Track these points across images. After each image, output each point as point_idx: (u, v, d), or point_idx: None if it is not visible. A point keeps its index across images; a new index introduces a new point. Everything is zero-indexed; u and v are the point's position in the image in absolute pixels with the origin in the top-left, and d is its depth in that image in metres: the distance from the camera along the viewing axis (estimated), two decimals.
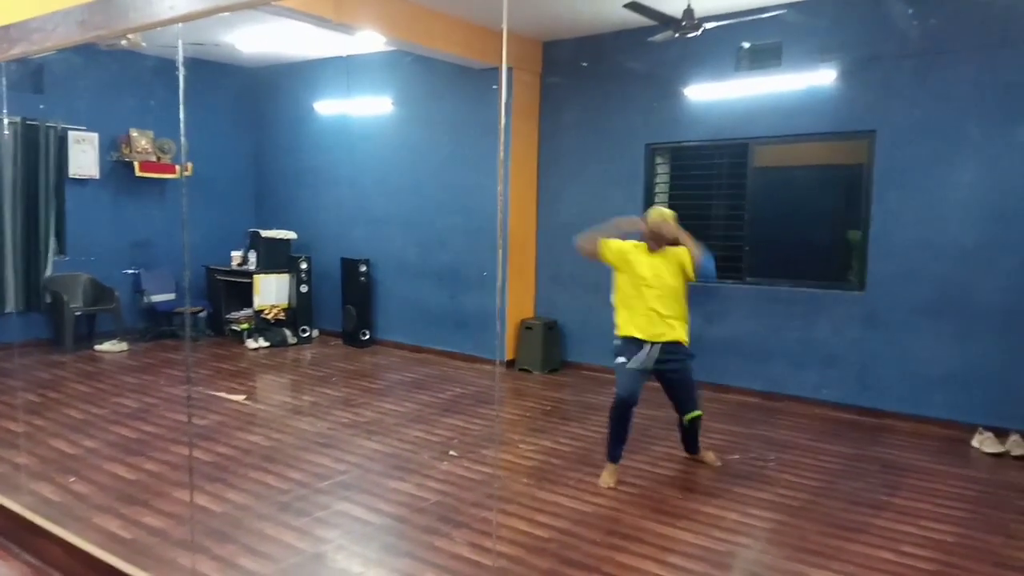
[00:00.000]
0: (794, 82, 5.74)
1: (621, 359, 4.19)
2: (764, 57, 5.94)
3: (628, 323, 4.21)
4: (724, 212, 6.31)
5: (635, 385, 4.14)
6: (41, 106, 7.25)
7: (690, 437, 4.47)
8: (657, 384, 4.34)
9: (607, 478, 4.11)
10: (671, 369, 4.23)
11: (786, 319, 5.95)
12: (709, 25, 5.20)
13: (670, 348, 4.17)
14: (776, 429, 5.26)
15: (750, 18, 5.48)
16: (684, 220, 6.45)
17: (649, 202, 6.63)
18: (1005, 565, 3.25)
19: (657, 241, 4.26)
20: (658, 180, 6.68)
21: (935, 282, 5.30)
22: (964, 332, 5.21)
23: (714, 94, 6.13)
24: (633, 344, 4.17)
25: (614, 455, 4.18)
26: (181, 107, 2.78)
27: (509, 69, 6.74)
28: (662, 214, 4.30)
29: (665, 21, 5.19)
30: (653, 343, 4.15)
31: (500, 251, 5.68)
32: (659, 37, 5.36)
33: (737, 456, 4.66)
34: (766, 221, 6.14)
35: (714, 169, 6.34)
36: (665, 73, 6.35)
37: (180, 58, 2.84)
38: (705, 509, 3.79)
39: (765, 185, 6.16)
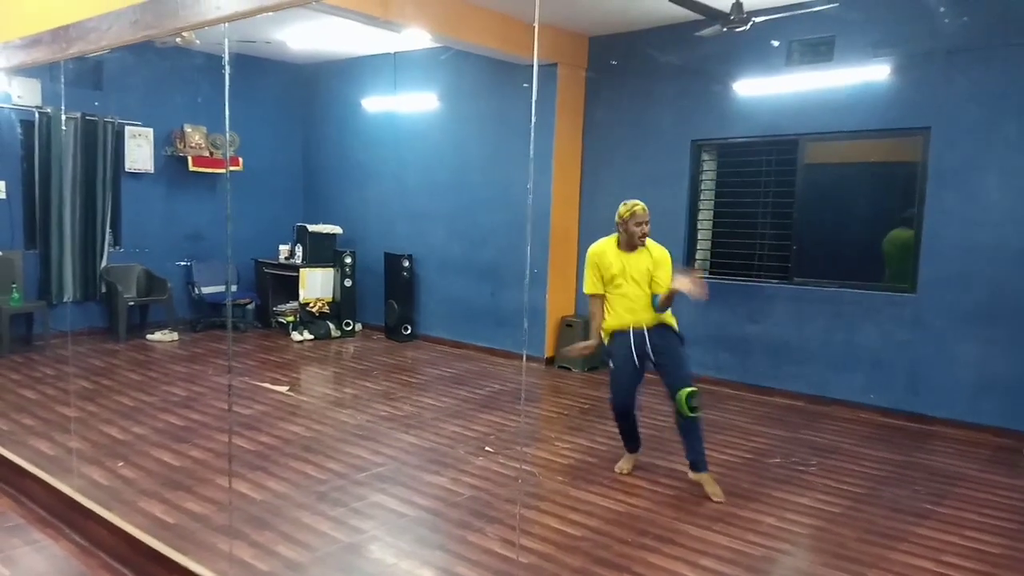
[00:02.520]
0: (847, 77, 5.59)
1: (610, 363, 4.14)
2: (816, 52, 5.80)
3: (611, 320, 4.11)
4: (772, 210, 6.19)
5: (626, 392, 4.10)
6: (96, 103, 7.49)
7: (691, 437, 3.98)
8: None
9: (623, 464, 4.29)
10: (657, 345, 4.02)
11: (833, 320, 5.81)
12: (758, 19, 5.09)
13: (656, 330, 4.04)
14: (820, 433, 5.15)
15: (801, 11, 5.35)
16: (731, 218, 6.47)
17: (694, 200, 6.56)
18: None
19: (629, 238, 4.03)
20: (704, 177, 6.58)
21: (988, 286, 5.12)
22: (1018, 337, 5.01)
23: (763, 89, 6.01)
24: (618, 336, 4.08)
25: (629, 447, 4.34)
26: (226, 105, 2.84)
27: (553, 64, 6.72)
28: (644, 208, 4.03)
29: (713, 15, 5.10)
30: (636, 329, 4.04)
31: (528, 247, 5.69)
32: (707, 32, 5.27)
33: (778, 460, 4.57)
34: (815, 220, 6.01)
35: (762, 166, 6.21)
36: (713, 68, 6.25)
37: (226, 56, 2.89)
38: (742, 513, 3.73)
39: (815, 183, 6.02)
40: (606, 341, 4.16)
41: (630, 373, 4.07)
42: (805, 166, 5.98)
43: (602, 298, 4.13)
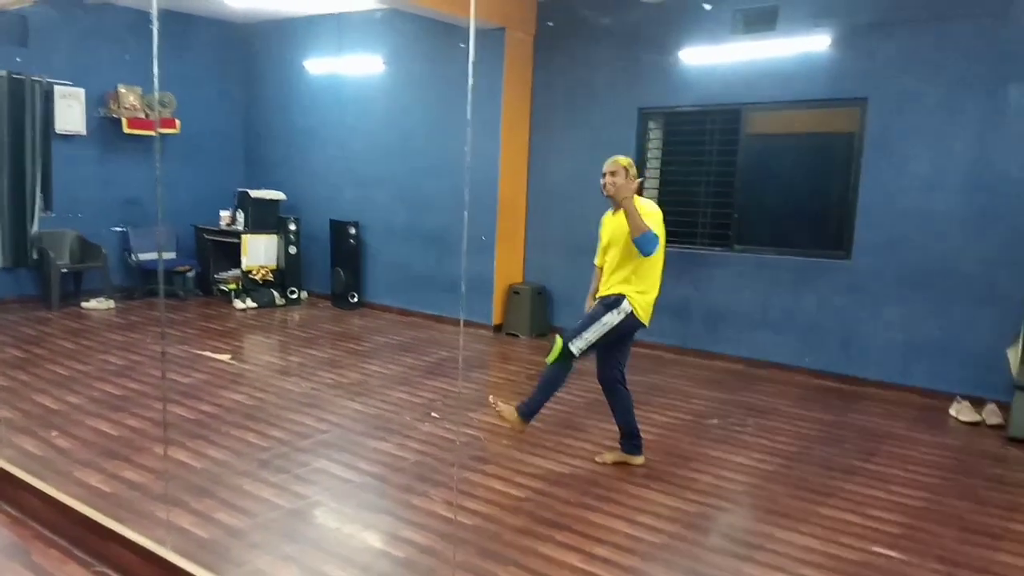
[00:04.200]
0: (788, 47, 5.68)
1: None
2: (759, 21, 5.85)
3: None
4: (715, 179, 6.28)
5: (598, 365, 3.95)
6: (18, 59, 7.12)
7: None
8: (637, 349, 4.28)
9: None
10: None
11: (772, 287, 5.96)
12: None
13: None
14: (757, 395, 5.31)
15: None
16: (675, 187, 6.55)
17: (641, 168, 6.60)
18: (970, 529, 3.30)
19: (611, 198, 3.73)
20: (650, 146, 6.63)
21: (920, 252, 5.31)
22: (947, 302, 5.23)
23: (708, 58, 6.06)
24: None
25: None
26: (155, 63, 2.73)
27: (500, 29, 6.66)
28: (614, 161, 3.74)
29: None
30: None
31: (466, 212, 5.67)
32: None
33: (716, 421, 4.70)
34: (756, 189, 6.12)
35: (706, 135, 6.29)
36: (659, 36, 6.27)
37: (154, 11, 2.78)
38: (680, 472, 3.84)
39: (756, 152, 6.12)
40: None
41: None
42: (747, 136, 6.07)
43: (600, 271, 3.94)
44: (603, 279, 3.88)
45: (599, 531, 3.15)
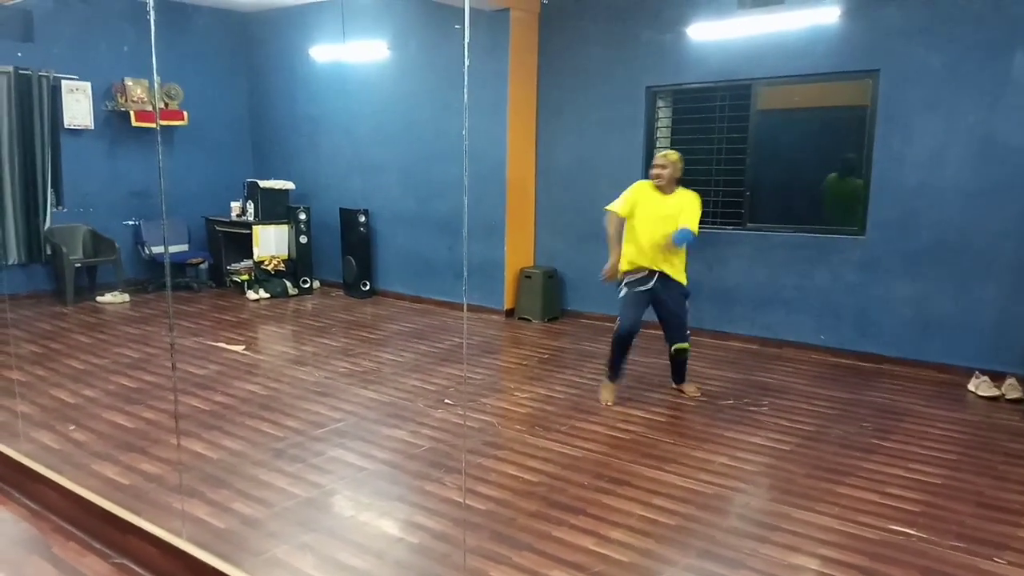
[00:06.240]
0: (798, 20, 5.57)
1: (624, 288, 4.60)
2: None
3: (634, 256, 4.52)
4: (726, 157, 6.20)
5: (636, 314, 4.55)
6: (19, 54, 7.12)
7: (677, 368, 4.81)
8: (652, 332, 4.40)
9: (607, 395, 4.64)
10: (667, 299, 4.55)
11: (786, 265, 5.90)
12: None
13: (669, 280, 4.53)
14: (772, 375, 5.27)
15: None
16: (686, 166, 6.40)
17: (650, 147, 6.53)
18: (988, 505, 3.26)
19: (660, 180, 4.52)
20: (659, 124, 6.55)
21: (935, 226, 5.23)
22: (963, 276, 5.15)
23: (717, 33, 5.96)
24: (636, 271, 4.54)
25: (614, 376, 4.70)
26: (153, 55, 2.71)
27: (505, 10, 6.58)
28: (665, 155, 4.57)
29: None
30: (655, 270, 4.51)
31: (465, 198, 5.76)
32: None
33: (731, 401, 4.67)
34: (768, 165, 6.04)
35: (716, 112, 6.20)
36: (667, 12, 6.17)
37: (151, 0, 2.76)
38: (695, 453, 3.82)
39: (768, 128, 6.03)
40: (622, 268, 4.59)
41: (642, 304, 4.56)
42: (758, 112, 5.98)
43: (622, 222, 4.56)
44: (658, 254, 4.48)
45: (614, 514, 3.14)
